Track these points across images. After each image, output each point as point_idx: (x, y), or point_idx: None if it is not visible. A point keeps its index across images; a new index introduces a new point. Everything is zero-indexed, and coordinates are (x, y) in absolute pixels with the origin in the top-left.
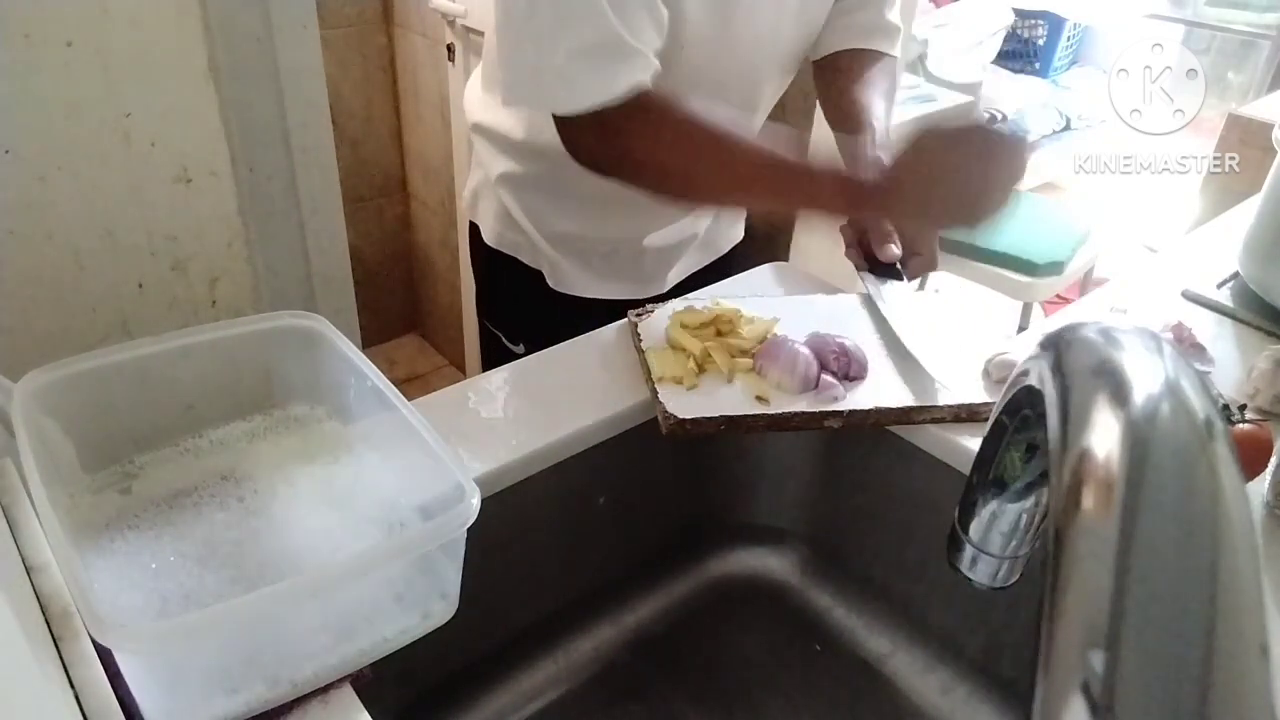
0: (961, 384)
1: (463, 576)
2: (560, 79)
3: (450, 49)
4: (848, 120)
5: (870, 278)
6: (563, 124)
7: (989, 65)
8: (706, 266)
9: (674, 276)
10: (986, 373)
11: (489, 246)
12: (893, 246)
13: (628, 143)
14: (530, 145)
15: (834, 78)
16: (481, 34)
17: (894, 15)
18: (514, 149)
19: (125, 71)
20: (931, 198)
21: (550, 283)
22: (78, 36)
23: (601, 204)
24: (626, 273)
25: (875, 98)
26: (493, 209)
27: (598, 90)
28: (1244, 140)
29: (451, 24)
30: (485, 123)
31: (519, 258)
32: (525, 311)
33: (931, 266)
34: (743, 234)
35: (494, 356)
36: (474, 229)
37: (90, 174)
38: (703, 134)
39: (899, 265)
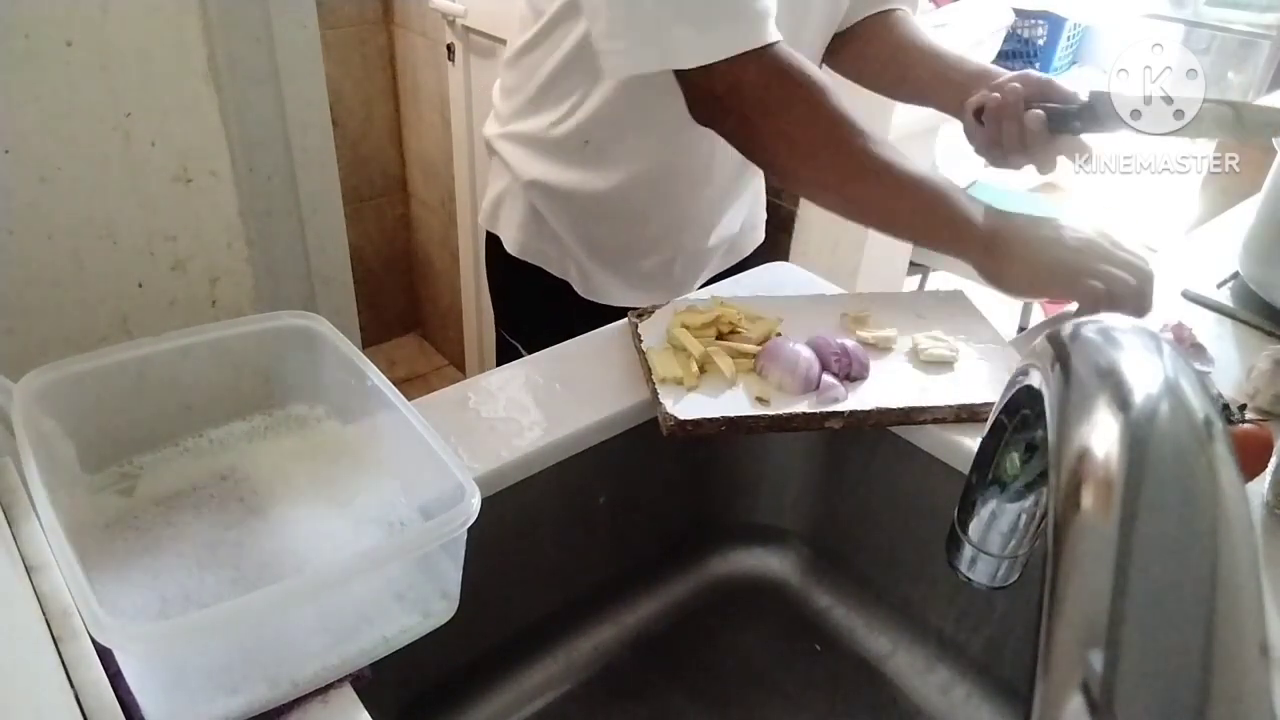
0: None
1: (463, 576)
2: (690, 27)
3: (450, 49)
4: (934, 59)
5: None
6: (691, 78)
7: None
8: (727, 270)
9: (699, 282)
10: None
11: (511, 257)
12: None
13: (757, 103)
14: (574, 146)
15: (871, 40)
16: (481, 34)
17: None
18: (555, 153)
19: (125, 71)
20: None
21: (580, 291)
22: (78, 36)
23: (642, 211)
24: (657, 280)
25: (932, 40)
26: (517, 218)
27: (745, 34)
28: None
29: (451, 24)
30: (518, 129)
31: (545, 268)
32: (547, 323)
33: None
34: (763, 237)
35: None
36: (493, 240)
37: (90, 174)
38: (836, 115)
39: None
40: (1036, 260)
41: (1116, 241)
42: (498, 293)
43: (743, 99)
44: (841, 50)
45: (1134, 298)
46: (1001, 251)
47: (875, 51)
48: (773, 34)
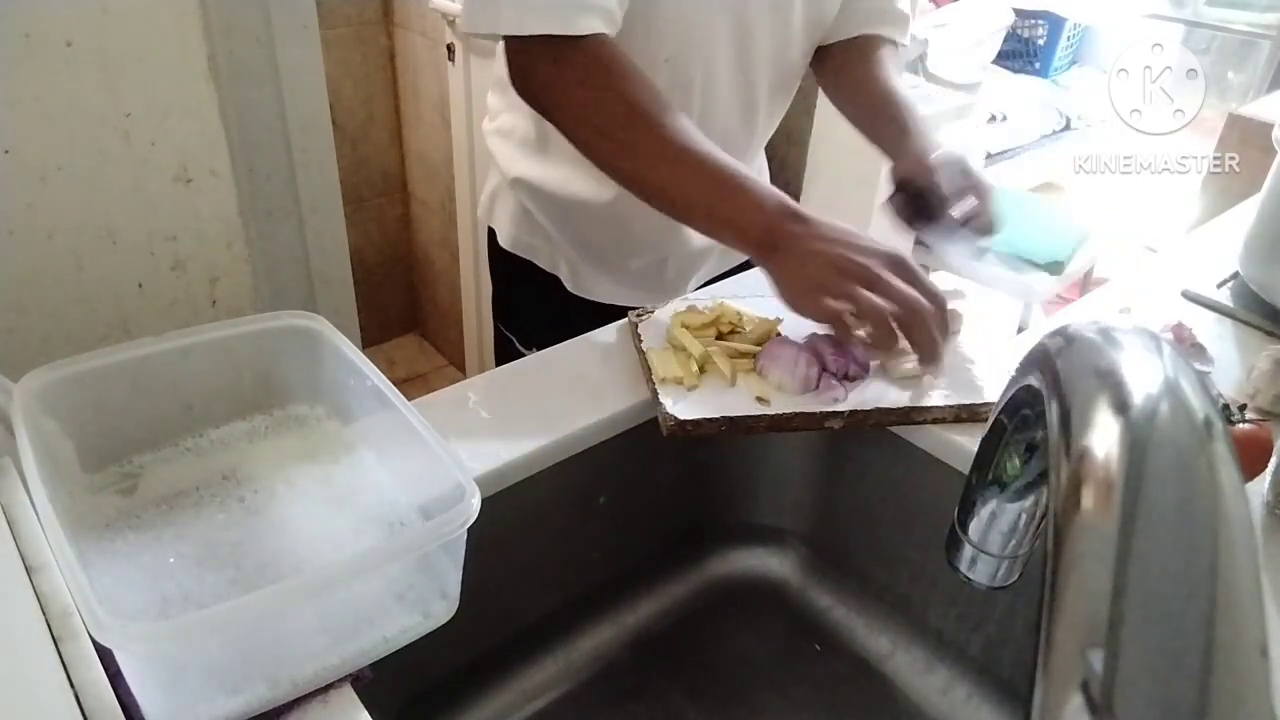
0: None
1: (463, 576)
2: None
3: (450, 49)
4: (877, 108)
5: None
6: (515, 48)
7: (989, 65)
8: (725, 273)
9: (694, 284)
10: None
11: (505, 251)
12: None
13: (571, 82)
14: (551, 145)
15: (844, 64)
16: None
17: (903, 3)
18: (538, 151)
19: (125, 71)
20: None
21: (569, 286)
22: (78, 36)
23: (624, 211)
24: (649, 279)
25: (895, 81)
26: (509, 212)
27: (555, 20)
28: (1244, 140)
29: (451, 24)
30: (507, 125)
31: (535, 261)
32: (539, 316)
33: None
34: None
35: (506, 360)
36: (491, 233)
37: (90, 174)
38: (631, 99)
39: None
40: (796, 274)
41: (909, 267)
42: (495, 285)
43: (543, 75)
44: (821, 68)
45: (906, 329)
46: (775, 257)
47: (839, 81)
48: (588, 28)
